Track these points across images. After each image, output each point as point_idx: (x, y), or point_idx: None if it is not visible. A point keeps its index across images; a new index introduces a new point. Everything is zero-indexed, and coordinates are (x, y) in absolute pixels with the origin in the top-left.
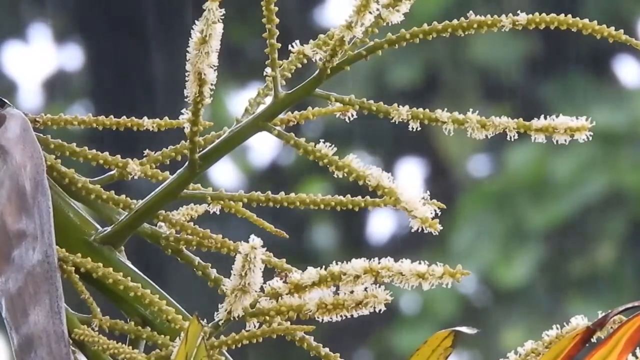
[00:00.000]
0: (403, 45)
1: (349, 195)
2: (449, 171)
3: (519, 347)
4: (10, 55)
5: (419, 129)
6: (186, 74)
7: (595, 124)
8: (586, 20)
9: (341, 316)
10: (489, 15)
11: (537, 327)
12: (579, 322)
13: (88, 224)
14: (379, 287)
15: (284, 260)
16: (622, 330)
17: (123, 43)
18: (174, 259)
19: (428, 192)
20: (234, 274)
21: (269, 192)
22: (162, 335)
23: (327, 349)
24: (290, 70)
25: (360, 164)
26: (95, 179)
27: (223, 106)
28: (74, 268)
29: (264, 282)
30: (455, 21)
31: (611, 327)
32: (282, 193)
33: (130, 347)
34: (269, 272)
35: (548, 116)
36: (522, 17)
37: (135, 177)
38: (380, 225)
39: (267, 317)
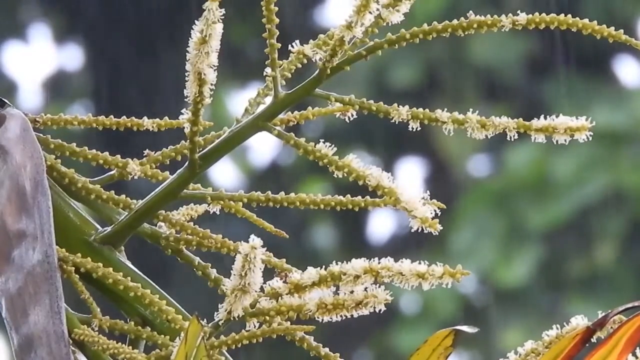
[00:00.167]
0: (403, 45)
1: (349, 195)
2: (449, 171)
3: (519, 347)
4: (10, 55)
5: (419, 129)
6: (186, 74)
7: (595, 124)
8: (586, 20)
9: (341, 316)
10: (489, 15)
11: (537, 327)
12: (579, 322)
13: (88, 224)
14: (379, 287)
15: (284, 260)
16: (622, 330)
17: (123, 43)
18: (174, 259)
19: (428, 192)
20: (234, 274)
21: (269, 192)
22: (162, 335)
23: (327, 349)
24: (290, 70)
25: (360, 164)
26: (95, 179)
27: (223, 106)
28: (74, 268)
29: (264, 282)
30: (455, 21)
31: (611, 327)
32: (282, 193)
33: (130, 347)
34: (269, 272)
35: (548, 116)
36: (522, 17)
37: (135, 177)
38: (380, 225)
39: (267, 317)
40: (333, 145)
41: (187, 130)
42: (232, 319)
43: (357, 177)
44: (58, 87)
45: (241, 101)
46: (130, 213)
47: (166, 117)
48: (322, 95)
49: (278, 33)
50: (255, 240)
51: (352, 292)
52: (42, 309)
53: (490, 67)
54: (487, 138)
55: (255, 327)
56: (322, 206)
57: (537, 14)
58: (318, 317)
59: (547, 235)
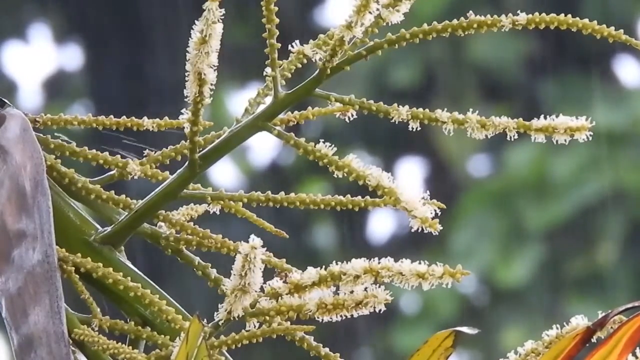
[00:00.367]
0: (403, 45)
1: (349, 195)
2: (449, 171)
3: (519, 347)
4: (10, 55)
5: (419, 129)
6: (186, 74)
7: (595, 124)
8: (586, 20)
9: (341, 316)
10: (489, 15)
11: (537, 327)
12: (579, 322)
13: (88, 224)
14: (379, 287)
15: (284, 260)
16: (622, 330)
17: (123, 43)
18: (174, 259)
19: (428, 192)
20: (234, 274)
21: (269, 192)
22: (162, 335)
23: (327, 349)
24: (290, 70)
25: (360, 164)
26: (95, 179)
27: (223, 106)
28: (74, 268)
29: (264, 282)
30: (455, 21)
31: (611, 327)
32: (282, 193)
33: (130, 347)
34: (269, 272)
35: (548, 116)
36: (522, 17)
37: (135, 177)
38: (380, 225)
39: (267, 317)
40: (333, 145)
41: (187, 130)
42: (232, 319)
43: (357, 177)
44: (58, 87)
45: (241, 101)
46: (130, 213)
47: (166, 117)
48: (322, 95)
49: (278, 33)
50: (255, 240)
51: (352, 292)
52: (42, 309)
53: (490, 67)
54: (487, 138)
55: (255, 327)
56: (322, 206)
57: (537, 14)
58: (318, 317)
59: (547, 235)
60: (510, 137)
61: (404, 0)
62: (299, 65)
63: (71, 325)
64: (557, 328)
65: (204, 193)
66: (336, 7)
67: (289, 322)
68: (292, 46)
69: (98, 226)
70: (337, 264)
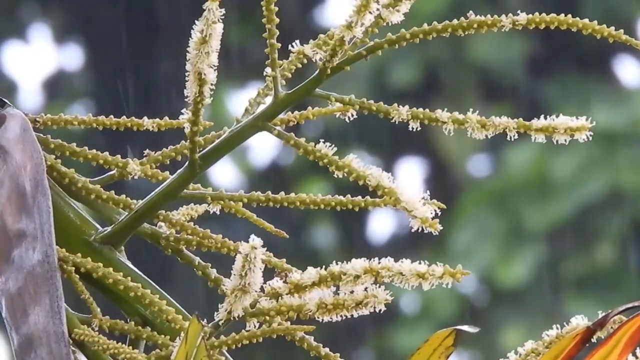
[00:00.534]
0: (403, 45)
1: (349, 195)
2: (449, 171)
3: (519, 347)
4: (10, 55)
5: (419, 129)
6: (186, 74)
7: (595, 124)
8: (586, 20)
9: (341, 316)
10: (489, 15)
11: (537, 327)
12: (579, 322)
13: (88, 224)
14: (379, 287)
15: (284, 260)
16: (622, 330)
17: (123, 43)
18: (174, 259)
19: (428, 192)
20: (234, 274)
21: (269, 192)
22: (162, 335)
23: (327, 349)
24: (290, 70)
25: (360, 164)
26: (95, 179)
27: (223, 106)
28: (74, 268)
29: (264, 282)
30: (455, 21)
31: (611, 327)
32: (282, 193)
33: (130, 347)
34: (269, 272)
35: (548, 116)
36: (522, 17)
37: (135, 177)
38: (380, 225)
39: (267, 317)
40: (333, 145)
41: (187, 130)
42: (232, 319)
43: (357, 177)
44: (58, 87)
45: (241, 101)
46: (130, 213)
47: (166, 117)
48: (322, 95)
49: (278, 33)
50: (255, 240)
51: (352, 292)
52: (42, 309)
53: (490, 67)
54: (487, 138)
55: (255, 327)
56: (322, 206)
57: (537, 14)
58: (318, 317)
59: (547, 235)
60: (510, 137)
61: (404, 0)
62: (299, 65)
63: (71, 325)
64: (557, 328)
65: (204, 193)
66: (336, 7)
67: (289, 322)
68: (293, 46)
69: (98, 226)
70: (337, 264)
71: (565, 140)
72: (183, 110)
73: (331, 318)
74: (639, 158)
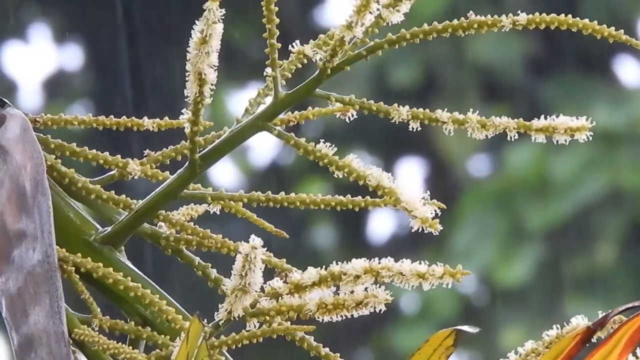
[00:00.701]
0: (403, 45)
1: (349, 195)
2: (449, 171)
3: (519, 347)
4: (10, 55)
5: (419, 129)
6: (186, 74)
7: (595, 124)
8: (586, 20)
9: (341, 316)
10: (489, 15)
11: (537, 327)
12: (579, 322)
13: (88, 224)
14: (379, 287)
15: (284, 260)
16: (622, 330)
17: (123, 43)
18: (174, 259)
19: (428, 192)
20: (234, 274)
21: (269, 192)
22: (162, 335)
23: (327, 349)
24: (290, 70)
25: (360, 164)
26: (95, 179)
27: (223, 106)
28: (74, 268)
29: (264, 282)
30: (455, 21)
31: (611, 327)
32: (282, 193)
33: (130, 347)
34: (269, 272)
35: (548, 116)
36: (522, 17)
37: (135, 177)
38: (380, 225)
39: (267, 317)
40: (333, 145)
41: (187, 130)
42: (232, 319)
43: (357, 177)
44: (58, 87)
45: (241, 101)
46: (130, 213)
47: (166, 117)
48: (322, 95)
49: (278, 33)
50: (255, 240)
51: (352, 292)
52: (42, 309)
53: (490, 67)
54: (487, 138)
55: (255, 327)
56: (322, 206)
57: (537, 14)
58: (318, 317)
59: (547, 235)
60: (511, 137)
61: (404, 0)
62: (299, 65)
63: (71, 325)
64: (557, 328)
65: (204, 193)
66: (336, 7)
67: (289, 322)
68: (293, 46)
69: (98, 226)
70: (337, 264)
71: (566, 141)
72: (183, 110)
73: (331, 318)
74: (639, 158)
